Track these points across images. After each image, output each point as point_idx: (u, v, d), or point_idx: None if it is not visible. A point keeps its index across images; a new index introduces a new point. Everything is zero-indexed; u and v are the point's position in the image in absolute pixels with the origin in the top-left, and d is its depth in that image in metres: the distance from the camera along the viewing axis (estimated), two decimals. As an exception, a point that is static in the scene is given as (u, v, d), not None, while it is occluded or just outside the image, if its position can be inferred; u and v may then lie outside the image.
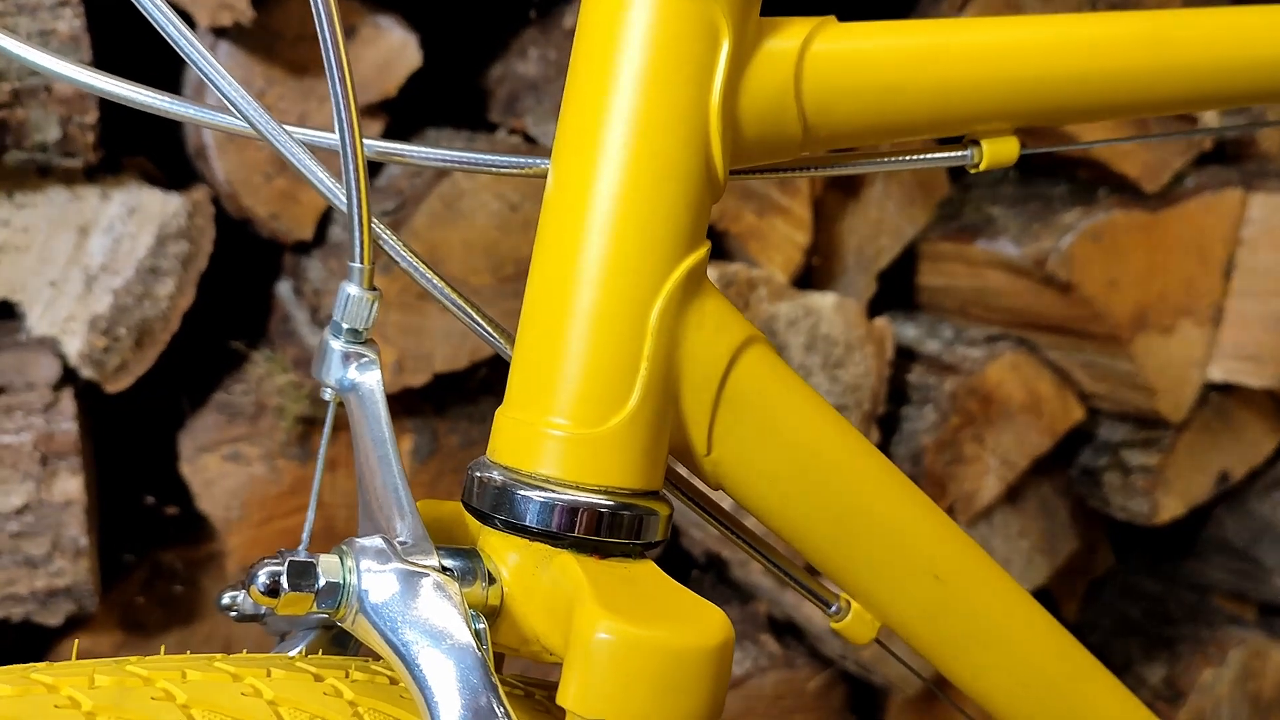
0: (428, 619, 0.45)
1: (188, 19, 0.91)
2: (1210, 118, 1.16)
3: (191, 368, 1.04)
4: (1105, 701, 0.67)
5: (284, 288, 1.08)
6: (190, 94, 0.98)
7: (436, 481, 1.07)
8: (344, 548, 0.46)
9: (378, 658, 0.50)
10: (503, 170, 0.54)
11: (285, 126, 0.50)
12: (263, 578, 0.45)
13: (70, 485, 0.93)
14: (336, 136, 0.47)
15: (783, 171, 0.56)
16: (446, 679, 0.44)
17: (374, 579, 0.45)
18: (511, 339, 0.52)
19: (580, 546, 0.48)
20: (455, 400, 1.08)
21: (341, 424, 0.50)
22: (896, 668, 1.14)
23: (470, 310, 0.52)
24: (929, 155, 0.58)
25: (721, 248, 1.09)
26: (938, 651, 0.61)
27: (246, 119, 0.49)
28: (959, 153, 0.58)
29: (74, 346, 0.94)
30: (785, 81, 0.50)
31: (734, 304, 0.51)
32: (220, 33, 0.95)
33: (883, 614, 0.59)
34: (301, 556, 0.45)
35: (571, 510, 0.47)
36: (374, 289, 0.49)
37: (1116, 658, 1.33)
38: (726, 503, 0.58)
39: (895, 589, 0.58)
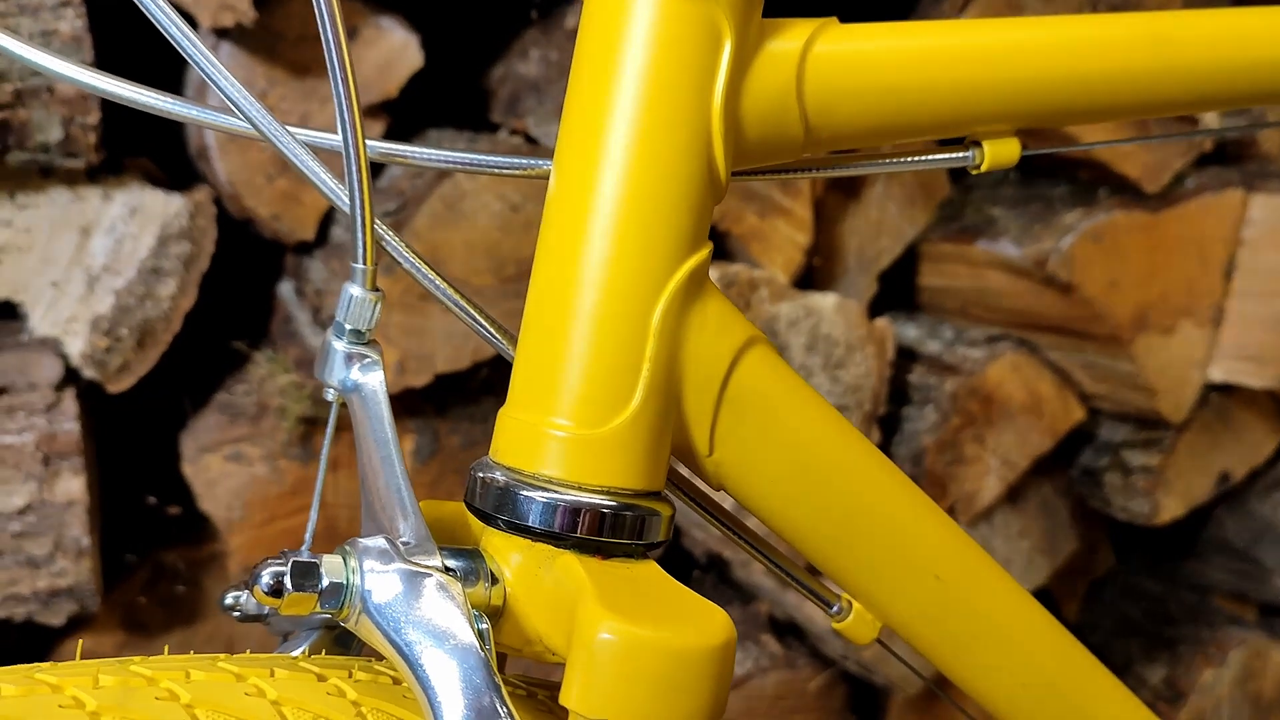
0: (431, 619, 0.45)
1: (190, 20, 0.91)
2: (1211, 119, 1.16)
3: (193, 368, 1.04)
4: (1106, 701, 0.67)
5: (286, 288, 1.08)
6: (192, 94, 0.98)
7: (438, 482, 1.07)
8: (347, 548, 0.47)
9: (381, 658, 0.50)
10: (505, 171, 0.54)
11: (288, 128, 0.50)
12: (266, 578, 0.45)
13: (72, 485, 0.94)
14: (339, 137, 0.47)
15: (784, 173, 0.56)
16: (450, 679, 0.44)
17: (377, 579, 0.45)
18: (514, 340, 0.52)
19: (583, 547, 0.48)
20: (457, 401, 1.08)
21: (343, 424, 0.50)
22: (897, 668, 1.14)
23: (472, 311, 0.52)
24: (930, 156, 0.59)
25: (723, 248, 1.09)
26: (939, 651, 0.61)
27: (249, 120, 0.49)
28: (960, 154, 0.58)
29: (76, 347, 0.94)
30: (787, 83, 0.50)
31: (735, 305, 0.51)
32: (222, 33, 0.95)
33: (884, 614, 0.59)
34: (305, 557, 0.46)
35: (574, 511, 0.47)
36: (377, 290, 0.49)
37: (1117, 658, 1.33)
38: (728, 503, 0.58)
39: (896, 589, 0.58)
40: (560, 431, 0.47)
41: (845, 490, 0.55)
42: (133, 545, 1.06)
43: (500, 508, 0.48)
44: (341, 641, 0.54)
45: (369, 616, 0.45)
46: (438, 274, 0.52)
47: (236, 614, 0.54)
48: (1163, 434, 1.24)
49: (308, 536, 0.50)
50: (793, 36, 0.50)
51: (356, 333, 0.49)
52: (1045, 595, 1.28)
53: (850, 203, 1.15)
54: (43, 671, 0.43)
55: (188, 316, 0.98)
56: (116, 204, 0.94)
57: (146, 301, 0.95)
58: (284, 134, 0.49)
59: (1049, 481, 1.26)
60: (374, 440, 0.49)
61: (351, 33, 0.98)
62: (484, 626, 0.46)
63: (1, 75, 0.87)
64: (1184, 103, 0.63)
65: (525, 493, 0.48)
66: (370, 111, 1.00)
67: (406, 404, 1.05)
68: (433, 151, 0.54)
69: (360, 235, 0.48)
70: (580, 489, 0.47)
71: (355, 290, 0.49)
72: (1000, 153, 0.58)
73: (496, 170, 0.54)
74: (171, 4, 0.47)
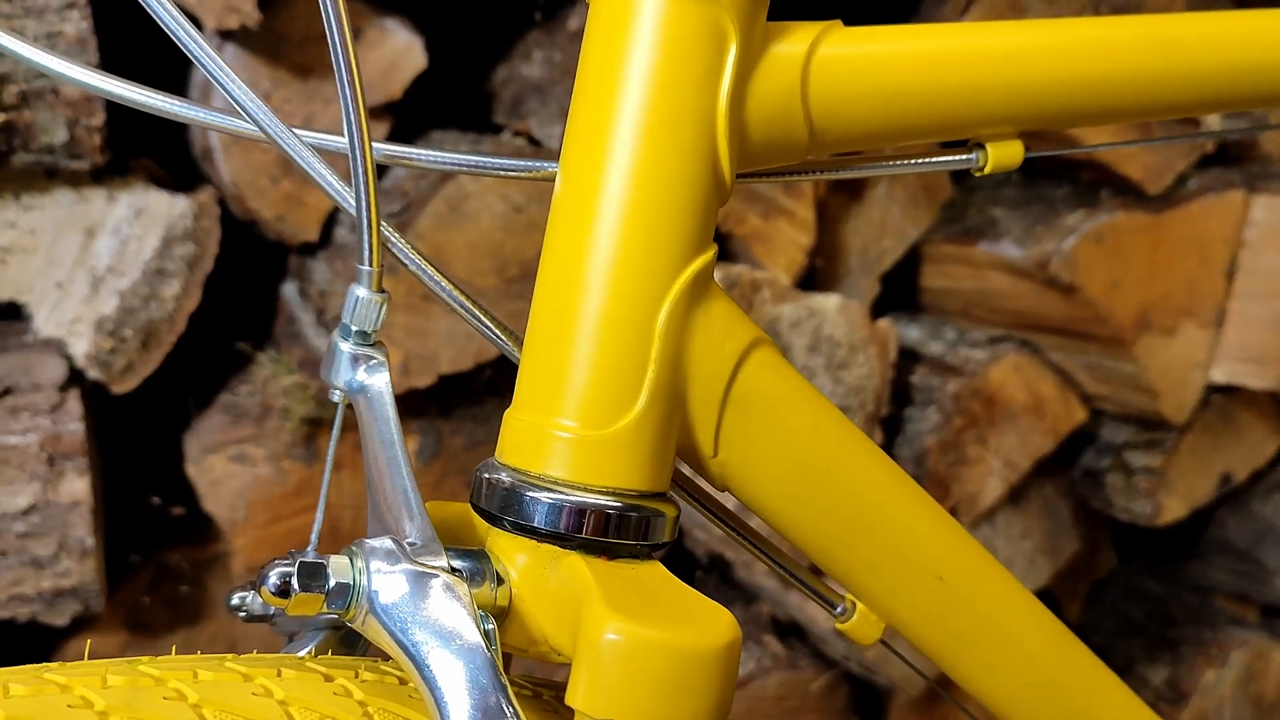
0: (437, 619, 0.45)
1: (195, 21, 0.91)
2: (1213, 121, 1.16)
3: (197, 369, 1.04)
4: (1108, 702, 0.67)
5: (289, 289, 1.08)
6: (196, 96, 0.99)
7: (441, 483, 1.07)
8: (354, 549, 0.47)
9: (387, 658, 0.50)
10: (509, 173, 0.55)
11: (293, 130, 0.50)
12: (273, 579, 0.45)
13: (77, 486, 0.94)
14: (344, 139, 0.48)
15: (789, 175, 0.56)
16: (456, 679, 0.44)
17: (384, 580, 0.46)
18: (518, 341, 0.52)
19: (588, 548, 0.48)
20: (460, 402, 1.08)
21: (348, 425, 0.50)
22: (900, 668, 1.14)
23: (478, 313, 0.53)
24: (934, 159, 0.59)
25: (726, 249, 1.09)
26: (942, 652, 0.61)
27: (255, 122, 0.49)
28: (964, 156, 0.58)
29: (80, 348, 0.95)
30: (792, 86, 0.50)
31: (738, 306, 0.52)
32: (226, 35, 0.96)
33: (887, 615, 0.60)
34: (312, 558, 0.46)
35: (579, 511, 0.48)
36: (383, 291, 0.49)
37: (1119, 659, 1.33)
38: (730, 503, 0.58)
39: (900, 590, 0.59)
40: (566, 433, 0.48)
41: (849, 491, 0.55)
42: (137, 545, 1.06)
43: (506, 508, 0.48)
44: (347, 642, 0.54)
45: (375, 617, 0.45)
46: (443, 275, 0.52)
47: (243, 614, 0.54)
48: (1164, 435, 1.24)
49: (314, 537, 0.50)
50: (797, 39, 0.50)
51: (362, 334, 0.49)
52: (1047, 596, 1.28)
53: (853, 204, 1.15)
54: (51, 671, 0.43)
55: (192, 317, 0.98)
56: (121, 205, 0.95)
57: (151, 302, 0.96)
58: (290, 136, 0.49)
59: (1051, 482, 1.26)
60: (380, 441, 0.49)
61: (356, 34, 0.98)
62: (490, 627, 0.46)
63: (7, 77, 0.88)
64: (1186, 105, 0.63)
65: (531, 493, 0.48)
66: (374, 113, 1.00)
67: (410, 405, 1.05)
68: (438, 154, 0.54)
69: (366, 237, 0.48)
70: (586, 490, 0.48)
71: (361, 292, 0.49)
72: (1003, 155, 0.58)
73: (501, 172, 0.54)
74: (177, 6, 0.48)
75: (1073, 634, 0.65)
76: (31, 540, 0.94)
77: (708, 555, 1.17)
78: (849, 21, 0.53)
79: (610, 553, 0.48)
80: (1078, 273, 1.13)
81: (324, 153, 0.51)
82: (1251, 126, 1.16)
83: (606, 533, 0.48)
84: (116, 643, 1.04)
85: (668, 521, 0.50)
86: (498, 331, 0.53)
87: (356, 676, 0.48)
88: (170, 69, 0.94)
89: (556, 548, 0.48)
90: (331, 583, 0.46)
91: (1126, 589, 1.41)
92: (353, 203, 0.48)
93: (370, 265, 0.48)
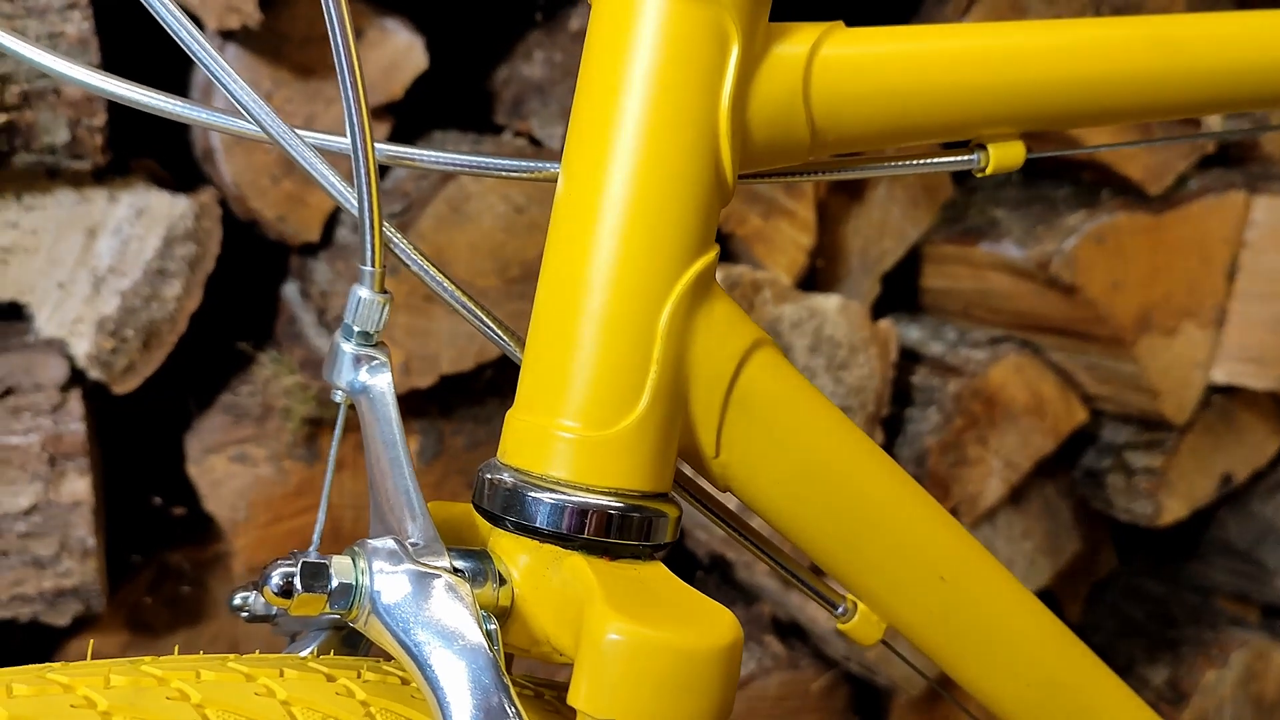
0: (440, 620, 0.45)
1: (196, 22, 0.91)
2: (1214, 121, 1.16)
3: (198, 369, 1.04)
4: (1109, 702, 0.67)
5: (290, 289, 1.08)
6: (198, 96, 0.99)
7: (442, 483, 1.07)
8: (356, 549, 0.47)
9: (389, 658, 0.50)
10: (511, 174, 0.55)
11: (295, 130, 0.50)
12: (276, 579, 0.45)
13: (78, 486, 0.94)
14: (346, 140, 0.48)
15: (790, 176, 0.56)
16: (458, 679, 0.44)
17: (386, 580, 0.46)
18: (520, 341, 0.52)
19: (590, 548, 0.48)
20: (461, 402, 1.08)
21: (349, 425, 0.50)
22: (900, 668, 1.14)
23: (480, 314, 0.53)
24: (936, 159, 0.59)
25: (726, 250, 1.09)
26: (943, 652, 0.61)
27: (257, 123, 0.49)
28: (965, 157, 0.58)
29: (82, 348, 0.95)
30: (794, 86, 0.50)
31: (739, 306, 0.52)
32: (228, 35, 0.96)
33: (888, 615, 0.60)
34: (314, 558, 0.46)
35: (582, 512, 0.48)
36: (385, 292, 0.49)
37: (1119, 659, 1.33)
38: (731, 503, 0.58)
39: (901, 590, 0.59)
40: (568, 433, 0.48)
41: (851, 491, 0.55)
42: (138, 546, 1.06)
43: (508, 509, 0.48)
44: (349, 642, 0.54)
45: (378, 617, 0.45)
46: (445, 276, 0.52)
47: (245, 614, 0.54)
48: (1165, 435, 1.24)
49: (315, 537, 0.50)
50: (799, 40, 0.50)
51: (365, 335, 0.49)
52: (1048, 596, 1.29)
53: (853, 204, 1.15)
54: (54, 671, 0.43)
55: (193, 318, 0.98)
56: (122, 205, 0.95)
57: (152, 303, 0.96)
58: (292, 137, 0.49)
59: (1051, 483, 1.26)
60: (382, 442, 0.49)
61: (357, 34, 0.98)
62: (492, 627, 0.46)
63: (8, 77, 0.88)
64: (1187, 106, 0.63)
65: (533, 494, 0.48)
66: (375, 113, 1.00)
67: (411, 405, 1.05)
68: (440, 154, 0.54)
69: (369, 238, 0.48)
70: (588, 490, 0.48)
71: (364, 292, 0.49)
72: (1005, 156, 0.58)
73: (504, 173, 0.54)
74: (178, 6, 0.48)
75: (1073, 634, 0.65)
76: (33, 540, 0.94)
77: (709, 555, 1.17)
78: (850, 22, 0.53)
79: (612, 553, 0.48)
80: (1078, 273, 1.13)
81: (326, 153, 0.51)
82: (1252, 127, 1.16)
83: (609, 533, 0.48)
84: (117, 643, 1.04)
85: (670, 522, 0.50)
86: (499, 332, 0.53)
87: (359, 677, 0.48)
88: (172, 69, 0.94)
89: (559, 548, 0.48)
90: (334, 583, 0.46)
91: (1127, 589, 1.41)
92: (355, 203, 0.48)
93: (373, 266, 0.48)
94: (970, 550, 0.60)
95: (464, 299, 0.52)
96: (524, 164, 0.54)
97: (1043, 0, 1.11)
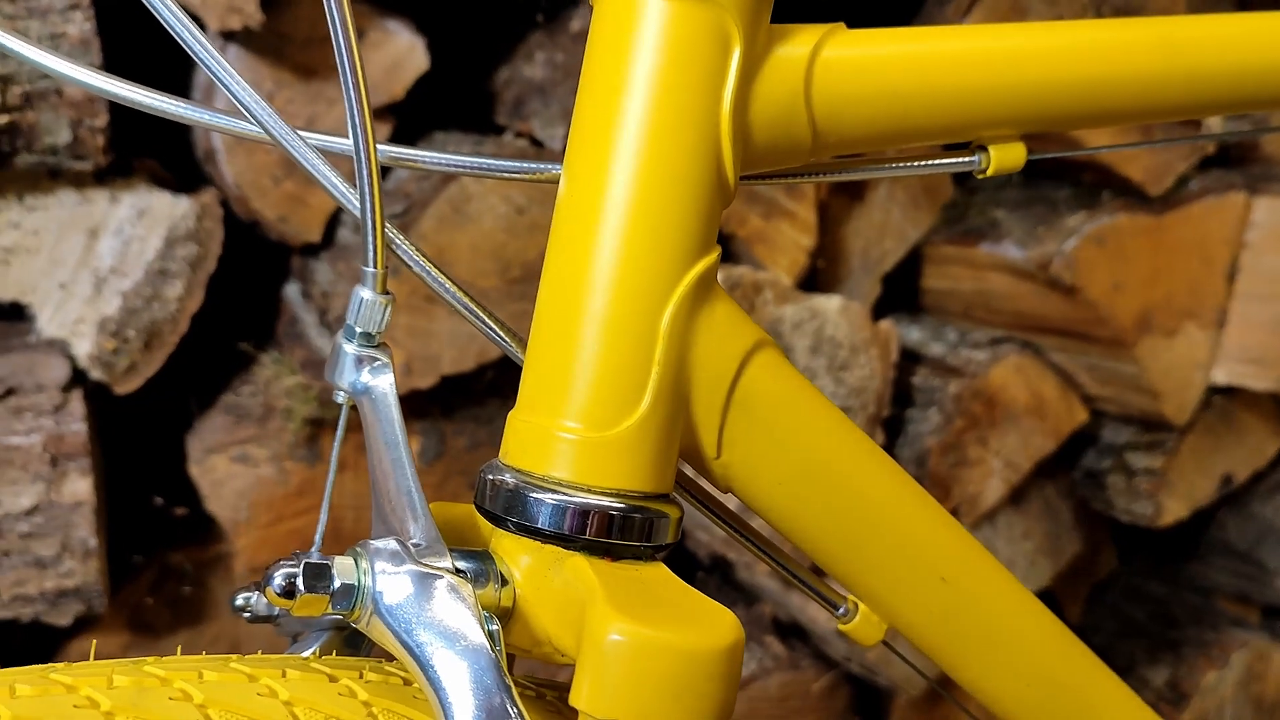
0: (442, 620, 0.45)
1: (197, 23, 0.91)
2: (1215, 123, 1.16)
3: (200, 370, 1.04)
4: (1110, 703, 0.67)
5: (292, 290, 1.08)
6: (199, 97, 0.99)
7: (443, 483, 1.07)
8: (358, 550, 0.47)
9: (391, 659, 0.50)
10: (514, 176, 0.55)
11: (297, 131, 0.50)
12: (279, 579, 0.45)
13: (80, 486, 0.94)
14: (348, 141, 0.48)
15: (792, 177, 0.56)
16: (460, 680, 0.44)
17: (388, 581, 0.46)
18: (522, 342, 0.52)
19: (592, 549, 0.48)
20: (462, 402, 1.08)
21: (350, 426, 0.50)
22: (901, 669, 1.14)
23: (482, 314, 0.53)
24: (937, 161, 0.59)
25: (727, 251, 1.09)
26: (944, 653, 0.61)
27: (260, 124, 0.49)
28: (966, 158, 0.58)
29: (83, 348, 0.95)
30: (795, 88, 0.50)
31: (740, 307, 0.52)
32: (229, 36, 0.96)
33: (890, 616, 0.60)
34: (317, 559, 0.46)
35: (583, 513, 0.48)
36: (387, 293, 0.49)
37: (1120, 660, 1.33)
38: (732, 504, 0.58)
39: (902, 591, 0.59)
40: (570, 434, 0.48)
41: (852, 492, 0.55)
42: (139, 546, 1.06)
43: (510, 510, 0.48)
44: (351, 642, 0.54)
45: (380, 618, 0.45)
46: (447, 277, 0.52)
47: (247, 615, 0.54)
48: (1166, 436, 1.24)
49: (318, 538, 0.50)
50: (801, 42, 0.51)
51: (367, 335, 0.49)
52: (1048, 597, 1.29)
53: (854, 205, 1.15)
54: (57, 672, 0.43)
55: (194, 318, 0.98)
56: (124, 206, 0.95)
57: (153, 303, 0.96)
58: (294, 138, 0.50)
59: (1052, 483, 1.26)
60: (384, 443, 0.49)
61: (359, 35, 0.98)
62: (494, 628, 0.46)
63: (10, 78, 0.88)
64: (1188, 107, 0.63)
65: (535, 495, 0.48)
66: (377, 114, 1.01)
67: (412, 406, 1.05)
68: (443, 156, 0.54)
69: (371, 239, 0.48)
70: (589, 491, 0.48)
71: (366, 293, 0.49)
72: (1006, 157, 0.58)
73: (506, 175, 0.55)
74: (180, 7, 0.48)
75: (1074, 635, 0.66)
76: (34, 540, 0.94)
77: (709, 556, 1.17)
78: (852, 24, 0.53)
79: (614, 554, 0.49)
80: (1079, 274, 1.14)
81: (327, 154, 0.51)
82: (1253, 129, 1.16)
83: (610, 534, 0.48)
84: (119, 643, 1.04)
85: (671, 523, 0.50)
86: (500, 332, 0.53)
87: (361, 677, 0.48)
88: (173, 70, 0.94)
89: (560, 549, 0.48)
90: (336, 584, 0.46)
91: (1127, 590, 1.41)
92: (357, 205, 0.48)
93: (375, 267, 0.48)
94: (971, 551, 0.61)
95: (465, 300, 0.52)
96: (526, 165, 0.54)
97: (1044, 1, 1.11)
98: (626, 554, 0.49)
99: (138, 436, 1.06)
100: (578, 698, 0.44)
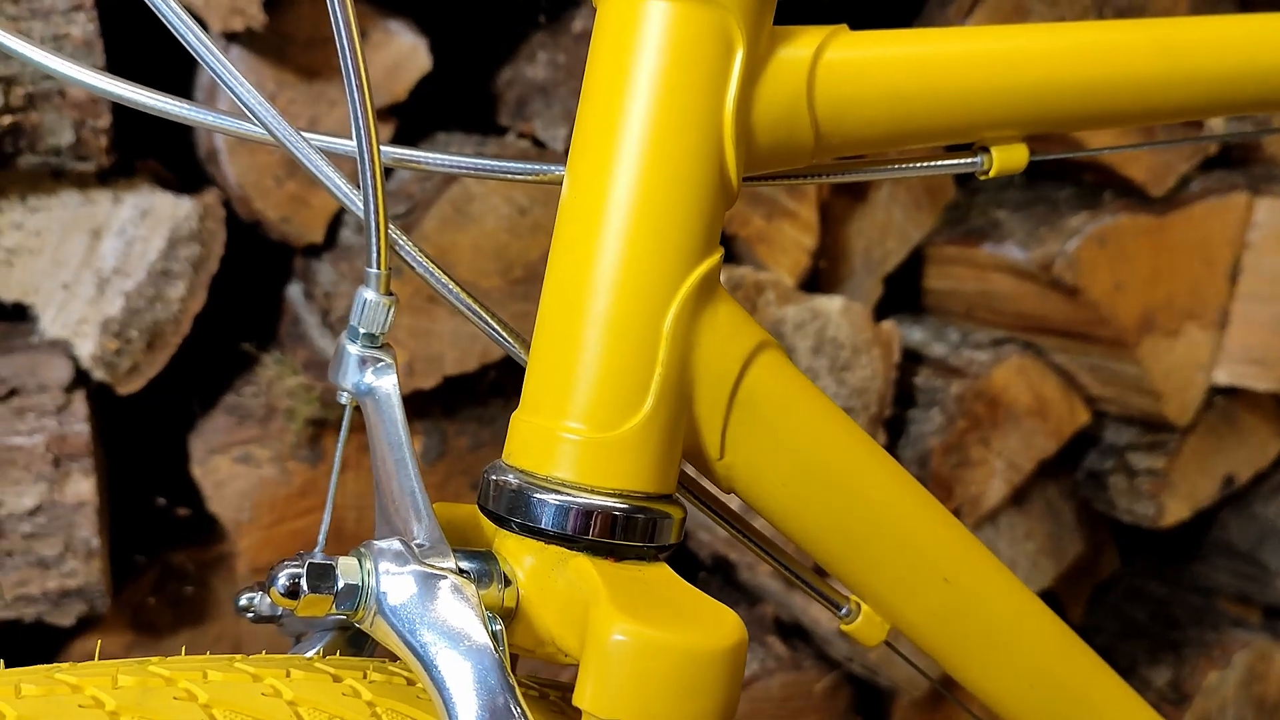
0: (445, 621, 0.45)
1: (200, 24, 0.92)
2: (1217, 123, 1.16)
3: (202, 370, 1.04)
4: (1111, 703, 0.67)
5: (294, 290, 1.08)
6: (202, 98, 0.99)
7: (445, 483, 1.07)
8: (362, 550, 0.47)
9: (395, 659, 0.51)
10: (517, 177, 0.55)
11: (300, 132, 0.50)
12: (283, 580, 0.45)
13: (82, 487, 0.94)
14: (350, 142, 0.48)
15: (794, 178, 0.56)
16: (464, 680, 0.44)
17: (392, 581, 0.46)
18: (523, 342, 0.52)
19: (595, 549, 0.48)
20: (464, 403, 1.08)
21: (353, 426, 0.51)
22: (903, 669, 1.14)
23: (485, 315, 0.53)
24: (939, 162, 0.59)
25: (729, 251, 1.09)
26: (946, 653, 0.62)
27: (263, 125, 0.49)
28: (969, 159, 0.58)
29: (86, 349, 0.95)
30: (798, 89, 0.50)
31: (743, 308, 0.52)
32: (232, 37, 0.96)
33: (892, 616, 0.60)
34: (321, 559, 0.46)
35: (586, 513, 0.48)
36: (391, 294, 0.49)
37: (1122, 660, 1.33)
38: (735, 505, 0.58)
39: (905, 591, 0.59)
40: (573, 435, 0.48)
41: (854, 493, 0.56)
42: (142, 546, 1.06)
43: (513, 510, 0.49)
44: (355, 642, 0.54)
45: (384, 618, 0.46)
46: (449, 277, 0.52)
47: (251, 615, 0.54)
48: (1168, 437, 1.24)
49: (321, 538, 0.50)
50: (803, 44, 0.51)
51: (370, 336, 0.50)
52: (1050, 597, 1.29)
53: (856, 206, 1.16)
54: (62, 672, 0.43)
55: (197, 318, 0.98)
56: (127, 207, 0.95)
57: (156, 304, 0.96)
58: (297, 139, 0.50)
59: (1054, 484, 1.26)
60: (388, 443, 0.49)
61: (361, 36, 0.98)
62: (498, 628, 0.46)
63: (13, 79, 0.88)
64: (1190, 108, 0.63)
65: (538, 495, 0.48)
66: (379, 115, 1.01)
67: (414, 406, 1.05)
68: (446, 157, 0.54)
69: (375, 240, 0.48)
70: (593, 492, 0.48)
71: (369, 294, 0.49)
72: (1008, 158, 0.58)
73: (509, 176, 0.55)
74: (183, 8, 0.48)
75: (1076, 635, 0.66)
76: (37, 541, 0.94)
77: (712, 557, 1.17)
78: (854, 25, 0.53)
79: (617, 554, 0.49)
80: (1081, 275, 1.14)
81: (330, 155, 0.51)
82: (1255, 130, 1.16)
83: (613, 534, 0.48)
84: (121, 643, 1.04)
85: (674, 523, 0.50)
86: (503, 333, 0.53)
87: (365, 677, 0.48)
88: (176, 71, 0.94)
89: (564, 549, 0.48)
90: (340, 584, 0.46)
91: (1129, 591, 1.41)
92: (360, 206, 0.48)
93: (378, 268, 0.48)
94: (973, 551, 0.61)
95: (468, 300, 0.53)
96: (529, 166, 0.54)
97: (1046, 3, 1.11)
98: (630, 554, 0.49)
99: (140, 437, 1.06)
100: (581, 698, 0.44)
